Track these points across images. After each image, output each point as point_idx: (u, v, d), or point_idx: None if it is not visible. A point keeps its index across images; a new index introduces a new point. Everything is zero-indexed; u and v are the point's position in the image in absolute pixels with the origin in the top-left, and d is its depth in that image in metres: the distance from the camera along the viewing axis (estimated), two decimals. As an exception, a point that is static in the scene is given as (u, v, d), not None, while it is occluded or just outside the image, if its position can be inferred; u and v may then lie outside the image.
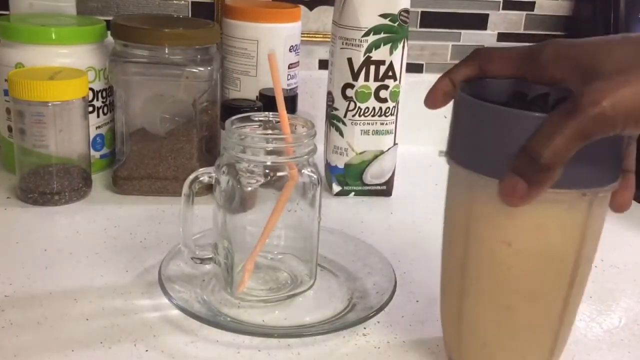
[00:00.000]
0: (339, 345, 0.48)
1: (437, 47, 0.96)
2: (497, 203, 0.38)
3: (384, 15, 0.69)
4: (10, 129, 0.72)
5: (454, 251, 0.43)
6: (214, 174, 0.51)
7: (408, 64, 0.73)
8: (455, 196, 0.42)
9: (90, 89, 0.72)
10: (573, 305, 0.42)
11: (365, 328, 0.50)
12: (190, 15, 0.87)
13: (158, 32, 0.67)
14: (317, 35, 0.91)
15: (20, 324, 0.48)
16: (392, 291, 0.51)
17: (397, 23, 0.69)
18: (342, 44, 0.70)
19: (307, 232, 0.53)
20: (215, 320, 0.48)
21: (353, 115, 0.72)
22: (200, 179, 0.51)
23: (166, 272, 0.52)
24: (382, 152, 0.74)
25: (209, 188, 0.57)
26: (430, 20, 0.94)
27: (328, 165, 0.75)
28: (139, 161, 0.70)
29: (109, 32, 0.73)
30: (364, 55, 0.70)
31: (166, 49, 0.67)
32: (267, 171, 0.49)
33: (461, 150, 0.41)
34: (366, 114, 0.72)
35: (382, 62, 0.70)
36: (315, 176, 0.51)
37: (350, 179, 0.75)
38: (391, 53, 0.70)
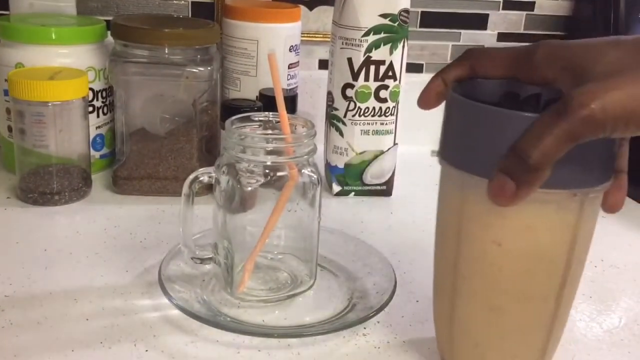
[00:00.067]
0: (339, 345, 0.48)
1: (437, 47, 0.96)
2: (488, 203, 0.38)
3: (384, 15, 0.69)
4: (10, 129, 0.72)
5: (446, 251, 0.43)
6: (214, 174, 0.51)
7: (408, 64, 0.73)
8: (447, 196, 0.42)
9: (90, 89, 0.72)
10: (565, 306, 0.42)
11: (365, 328, 0.50)
12: (190, 15, 0.87)
13: (158, 32, 0.67)
14: (317, 35, 0.90)
15: (20, 324, 0.48)
16: (392, 291, 0.51)
17: (397, 23, 0.69)
18: (342, 44, 0.70)
19: (307, 232, 0.53)
20: (215, 320, 0.48)
21: (353, 115, 0.72)
22: (200, 179, 0.51)
23: (166, 272, 0.52)
24: (382, 152, 0.74)
25: (209, 188, 0.57)
26: (430, 20, 0.94)
27: (328, 165, 0.75)
28: (139, 161, 0.70)
29: (109, 32, 0.73)
30: (364, 55, 0.70)
31: (166, 49, 0.67)
32: (267, 171, 0.49)
33: (453, 150, 0.41)
34: (366, 114, 0.72)
35: (382, 62, 0.70)
36: (315, 176, 0.51)
37: (350, 179, 0.75)
38: (391, 53, 0.70)
